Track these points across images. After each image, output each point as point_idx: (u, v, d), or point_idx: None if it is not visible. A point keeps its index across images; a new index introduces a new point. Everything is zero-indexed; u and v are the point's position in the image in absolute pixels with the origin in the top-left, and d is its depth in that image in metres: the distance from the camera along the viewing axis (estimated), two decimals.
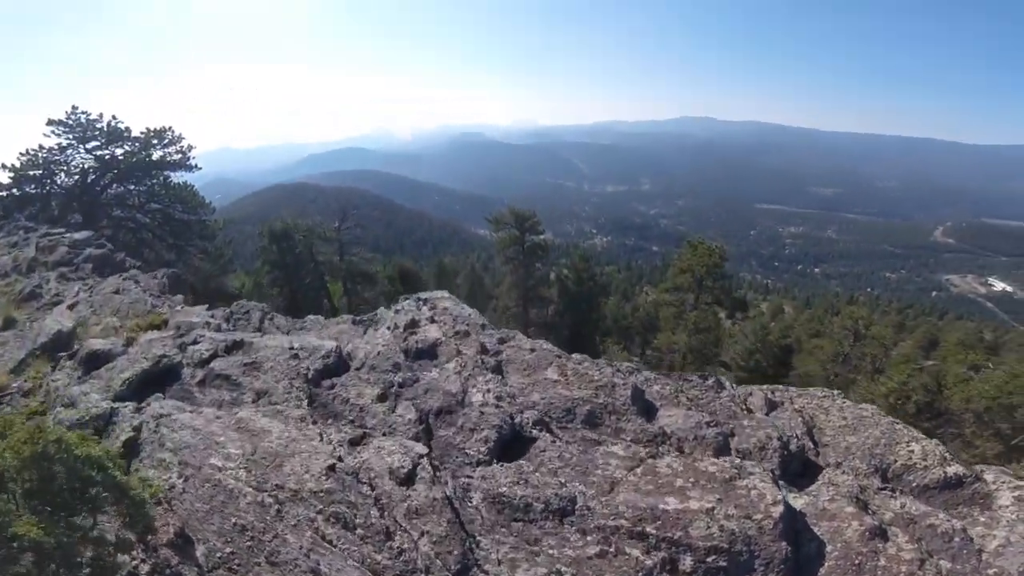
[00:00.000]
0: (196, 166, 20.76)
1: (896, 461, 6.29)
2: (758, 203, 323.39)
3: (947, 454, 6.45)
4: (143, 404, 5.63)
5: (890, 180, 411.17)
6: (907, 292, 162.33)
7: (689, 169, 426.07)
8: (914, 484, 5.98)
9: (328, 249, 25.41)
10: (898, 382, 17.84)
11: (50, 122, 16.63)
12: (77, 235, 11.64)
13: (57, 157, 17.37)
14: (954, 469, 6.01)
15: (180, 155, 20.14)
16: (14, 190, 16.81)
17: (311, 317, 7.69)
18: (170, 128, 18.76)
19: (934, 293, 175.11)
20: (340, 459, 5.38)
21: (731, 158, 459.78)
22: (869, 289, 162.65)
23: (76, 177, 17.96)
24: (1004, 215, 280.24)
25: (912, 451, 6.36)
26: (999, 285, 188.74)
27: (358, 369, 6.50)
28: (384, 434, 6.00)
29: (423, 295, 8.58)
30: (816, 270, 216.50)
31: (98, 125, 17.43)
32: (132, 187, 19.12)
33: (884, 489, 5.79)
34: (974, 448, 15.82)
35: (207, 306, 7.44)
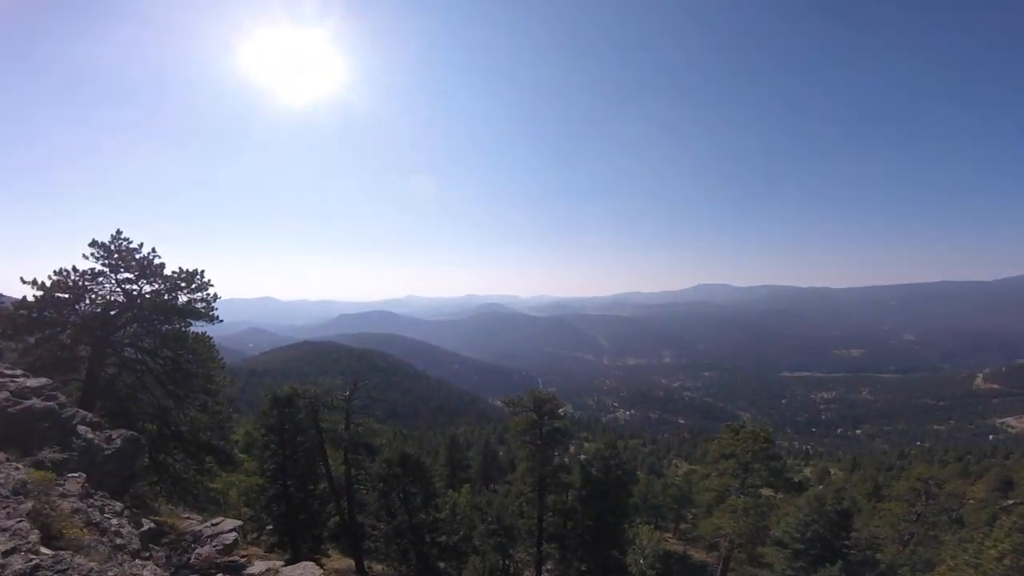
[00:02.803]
0: (218, 318, 20.09)
1: None
2: (785, 371, 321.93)
3: None
4: None
5: (913, 332, 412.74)
6: (960, 440, 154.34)
7: (710, 339, 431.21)
8: None
9: (334, 417, 24.33)
10: (1012, 544, 14.93)
11: (93, 243, 16.03)
12: (31, 381, 10.72)
13: (87, 283, 16.40)
14: None
15: (204, 304, 19.39)
16: (34, 312, 15.55)
17: None
18: (201, 272, 18.14)
19: (991, 437, 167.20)
20: None
21: (751, 325, 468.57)
22: (919, 442, 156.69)
23: (99, 308, 16.85)
24: None
25: None
26: None
27: None
28: None
29: None
30: (858, 431, 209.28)
31: (137, 255, 16.75)
32: (149, 329, 18.32)
33: None
34: None
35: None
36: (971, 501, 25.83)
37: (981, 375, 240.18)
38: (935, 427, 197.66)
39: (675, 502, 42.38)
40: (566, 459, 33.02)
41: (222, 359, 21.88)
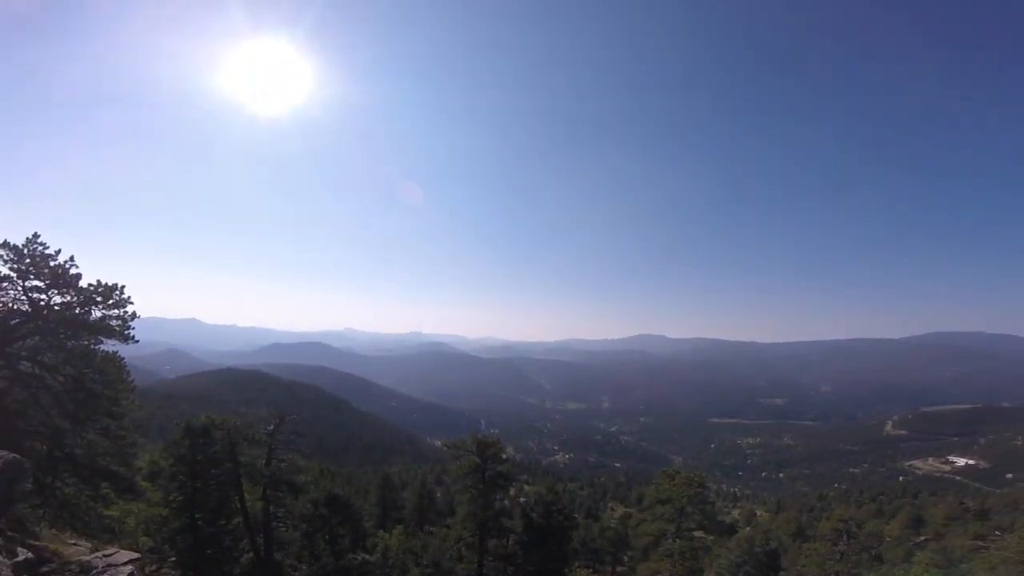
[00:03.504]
0: (134, 338, 18.32)
1: None
2: (714, 418, 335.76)
3: None
4: None
5: (829, 384, 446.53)
6: (873, 482, 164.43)
7: (646, 386, 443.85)
8: None
9: (254, 452, 22.50)
10: None
11: (4, 245, 14.48)
12: None
13: None
14: None
15: (120, 322, 17.67)
16: None
17: None
18: (121, 288, 16.60)
19: (900, 478, 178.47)
20: None
21: (684, 375, 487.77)
22: (836, 484, 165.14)
23: None
24: (939, 402, 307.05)
25: None
26: (961, 460, 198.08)
27: None
28: None
29: None
30: (781, 475, 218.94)
31: (52, 263, 15.15)
32: (52, 343, 16.45)
33: None
34: None
35: None
36: (888, 539, 27.44)
37: (890, 422, 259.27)
38: (851, 470, 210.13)
39: (612, 545, 42.11)
40: (506, 502, 32.24)
41: (133, 382, 19.98)
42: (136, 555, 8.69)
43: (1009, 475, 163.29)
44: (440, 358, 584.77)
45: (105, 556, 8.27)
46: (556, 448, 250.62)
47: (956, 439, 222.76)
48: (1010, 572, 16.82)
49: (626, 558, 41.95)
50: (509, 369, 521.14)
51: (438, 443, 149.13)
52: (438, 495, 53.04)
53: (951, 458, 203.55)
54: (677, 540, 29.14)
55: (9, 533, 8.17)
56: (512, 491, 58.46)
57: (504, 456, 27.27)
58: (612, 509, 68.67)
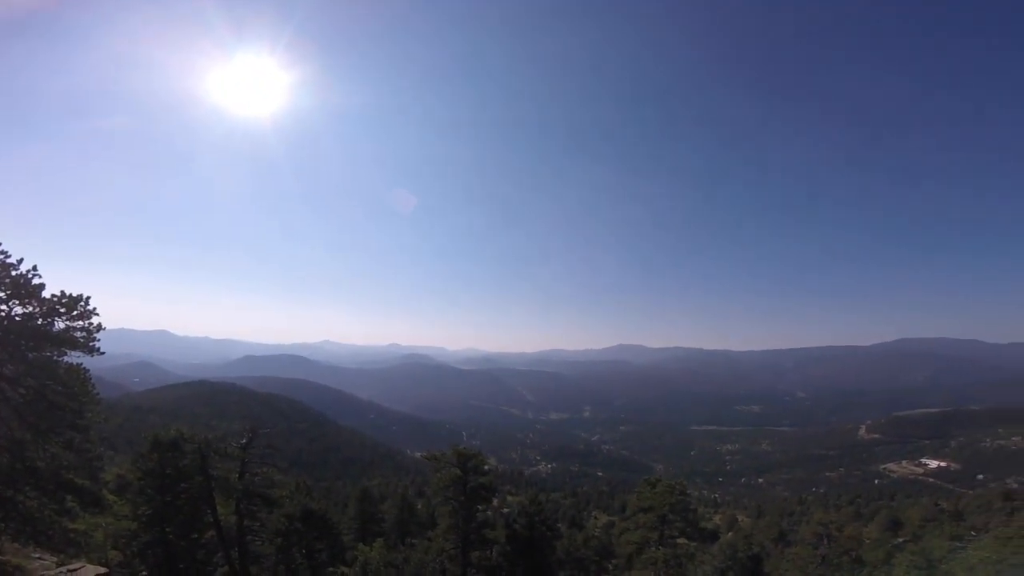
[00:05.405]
0: (99, 350, 17.90)
1: None
2: (693, 425, 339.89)
3: None
4: None
5: (804, 390, 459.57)
6: (850, 485, 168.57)
7: (626, 396, 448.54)
8: None
9: (227, 465, 21.93)
10: None
11: None
12: None
13: None
14: None
15: (84, 334, 17.24)
16: None
17: None
18: (86, 299, 16.26)
19: (876, 481, 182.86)
20: None
21: (663, 383, 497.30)
22: (814, 488, 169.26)
23: None
24: (910, 406, 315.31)
25: None
26: (933, 463, 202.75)
27: None
28: None
29: None
30: (760, 480, 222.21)
31: (13, 272, 14.70)
32: (13, 355, 15.87)
33: None
34: None
35: None
36: (867, 541, 27.96)
37: (864, 427, 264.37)
38: (828, 474, 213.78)
39: (596, 554, 41.85)
40: (489, 513, 31.92)
41: (98, 394, 19.45)
42: (104, 570, 8.26)
43: (980, 476, 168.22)
44: (420, 370, 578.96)
45: (71, 571, 7.85)
46: (539, 458, 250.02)
47: (928, 442, 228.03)
48: (988, 572, 17.38)
49: (611, 567, 41.84)
50: (490, 380, 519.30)
51: (419, 455, 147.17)
52: (419, 507, 52.27)
53: (924, 460, 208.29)
54: (660, 548, 29.43)
55: None
56: (495, 502, 58.04)
57: (486, 467, 27.11)
58: (596, 518, 68.72)
